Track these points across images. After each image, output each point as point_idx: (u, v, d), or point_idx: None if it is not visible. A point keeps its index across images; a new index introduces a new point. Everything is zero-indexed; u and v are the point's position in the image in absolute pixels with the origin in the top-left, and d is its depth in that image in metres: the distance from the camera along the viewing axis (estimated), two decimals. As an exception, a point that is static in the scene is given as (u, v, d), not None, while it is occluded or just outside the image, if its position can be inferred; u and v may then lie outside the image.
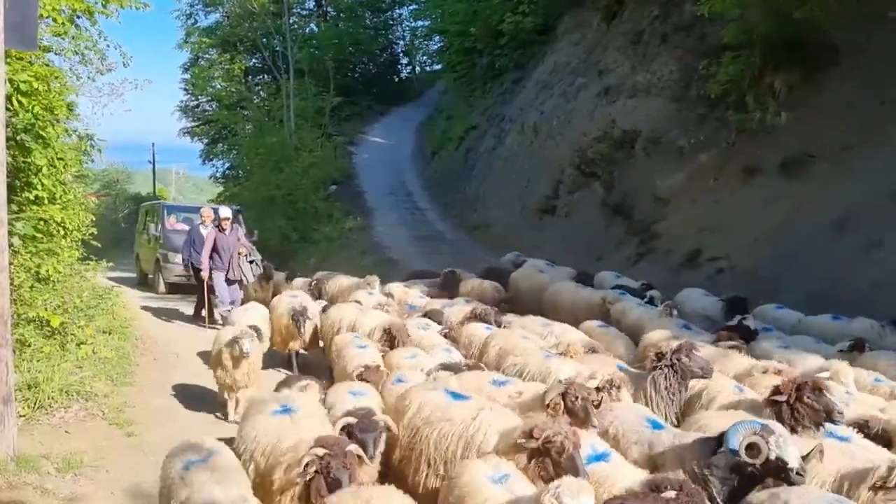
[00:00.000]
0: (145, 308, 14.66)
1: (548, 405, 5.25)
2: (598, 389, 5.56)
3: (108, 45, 10.56)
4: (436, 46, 42.11)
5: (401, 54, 48.17)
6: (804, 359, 7.43)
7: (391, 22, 46.37)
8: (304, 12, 43.87)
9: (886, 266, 10.60)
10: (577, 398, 5.21)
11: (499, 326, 9.05)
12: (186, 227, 16.75)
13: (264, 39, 37.92)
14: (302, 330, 9.63)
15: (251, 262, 12.75)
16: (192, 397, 8.96)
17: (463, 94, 33.44)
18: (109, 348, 9.71)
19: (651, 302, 10.75)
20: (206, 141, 43.15)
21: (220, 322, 12.34)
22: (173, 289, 16.87)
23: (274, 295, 14.08)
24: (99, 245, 10.49)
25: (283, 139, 31.69)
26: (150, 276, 18.27)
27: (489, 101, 30.15)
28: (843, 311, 9.55)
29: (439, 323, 9.32)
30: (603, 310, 10.35)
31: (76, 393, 7.95)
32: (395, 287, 12.32)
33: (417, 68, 48.99)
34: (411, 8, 44.09)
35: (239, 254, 12.61)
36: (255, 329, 8.52)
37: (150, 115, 46.93)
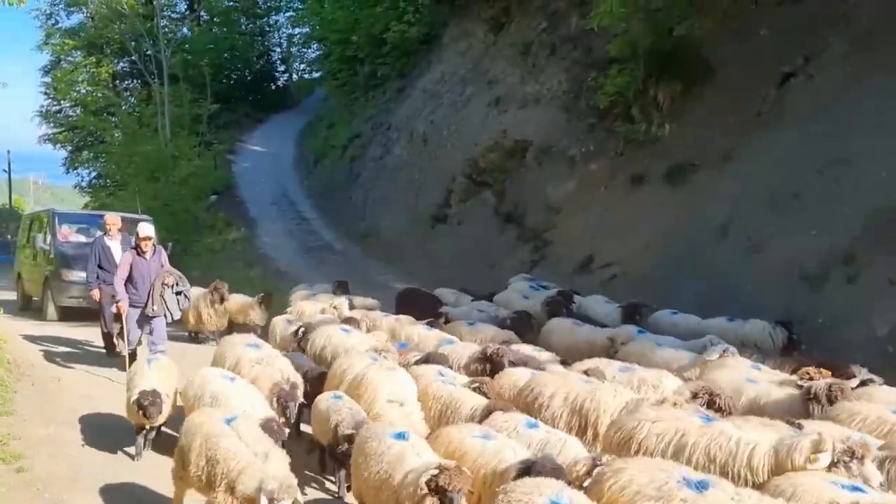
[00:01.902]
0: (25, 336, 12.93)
1: None
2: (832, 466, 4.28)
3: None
4: (314, 54, 41.64)
5: (278, 61, 47.34)
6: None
7: (267, 28, 45.44)
8: (176, 15, 42.29)
9: (767, 268, 11.24)
10: None
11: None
12: (83, 239, 14.87)
13: (134, 42, 36.13)
14: (290, 419, 6.90)
15: (178, 293, 9.94)
16: (82, 424, 8.30)
17: (345, 102, 33.13)
18: (-22, 376, 8.83)
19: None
20: (69, 148, 40.80)
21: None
22: (67, 314, 14.38)
23: (230, 325, 12.30)
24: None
25: (158, 147, 30.36)
26: (37, 298, 15.71)
27: (372, 109, 29.98)
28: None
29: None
30: (610, 353, 8.74)
31: (-55, 430, 7.12)
32: (382, 317, 10.42)
33: (295, 76, 48.28)
34: (288, 15, 43.52)
35: (164, 284, 9.83)
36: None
37: (6, 120, 44.03)
